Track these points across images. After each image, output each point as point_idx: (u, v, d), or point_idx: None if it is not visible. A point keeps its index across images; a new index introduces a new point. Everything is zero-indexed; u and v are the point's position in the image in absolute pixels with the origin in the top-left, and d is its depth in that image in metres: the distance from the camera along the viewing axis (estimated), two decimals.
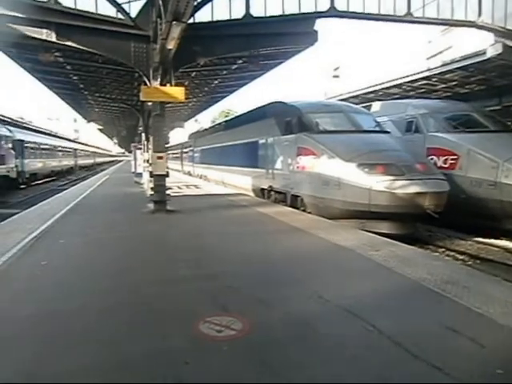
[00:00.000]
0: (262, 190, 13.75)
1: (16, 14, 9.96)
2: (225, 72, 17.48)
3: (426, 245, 9.46)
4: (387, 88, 16.45)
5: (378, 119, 12.13)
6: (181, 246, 6.69)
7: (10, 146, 23.00)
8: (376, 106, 14.30)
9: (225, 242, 7.00)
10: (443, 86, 15.82)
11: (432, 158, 11.06)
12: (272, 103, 14.02)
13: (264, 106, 14.89)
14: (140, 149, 20.33)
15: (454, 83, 15.28)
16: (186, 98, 10.18)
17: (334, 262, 5.64)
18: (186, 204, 11.47)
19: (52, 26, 10.02)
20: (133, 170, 22.08)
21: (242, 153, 16.18)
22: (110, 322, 3.72)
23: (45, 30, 10.11)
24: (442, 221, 9.26)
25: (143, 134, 18.97)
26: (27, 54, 14.12)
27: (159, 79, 9.59)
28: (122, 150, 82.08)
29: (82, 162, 53.47)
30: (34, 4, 9.88)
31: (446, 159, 10.81)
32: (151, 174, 9.98)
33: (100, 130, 43.87)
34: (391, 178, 8.61)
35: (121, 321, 3.73)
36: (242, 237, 7.41)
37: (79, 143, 60.09)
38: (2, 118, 29.94)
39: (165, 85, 9.60)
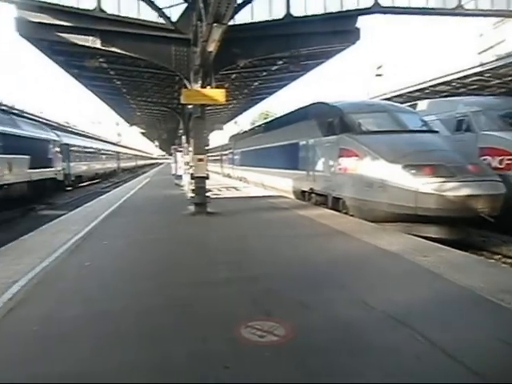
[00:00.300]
0: (303, 192, 13.65)
1: (64, 23, 10.52)
2: (265, 73, 17.56)
3: (479, 251, 9.00)
4: (434, 86, 15.88)
5: (425, 118, 11.70)
6: (221, 249, 6.76)
7: (58, 149, 24.21)
8: (422, 104, 13.82)
9: (265, 245, 7.00)
10: (497, 81, 15.05)
11: (485, 159, 10.52)
12: (313, 104, 13.89)
13: (304, 107, 14.79)
14: (180, 151, 20.79)
15: (509, 78, 14.50)
16: (226, 100, 10.28)
17: (379, 267, 5.48)
18: (226, 206, 11.59)
19: (97, 33, 10.49)
20: (173, 172, 22.61)
21: (281, 155, 16.15)
22: (152, 323, 3.80)
23: (90, 38, 10.61)
24: (497, 225, 8.78)
25: (184, 137, 19.38)
26: (74, 61, 14.84)
27: (200, 82, 9.76)
28: (163, 153, 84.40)
29: (124, 164, 55.44)
30: (81, 13, 10.38)
31: (502, 159, 10.25)
32: (192, 176, 10.16)
33: (142, 133, 45.33)
34: (440, 179, 8.26)
35: (162, 322, 3.80)
36: (282, 239, 7.38)
37: (122, 146, 62.31)
38: (50, 122, 31.60)
39: (205, 87, 9.77)
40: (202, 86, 9.79)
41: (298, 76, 18.29)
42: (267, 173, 18.31)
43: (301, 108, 15.32)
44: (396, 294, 4.40)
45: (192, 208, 10.41)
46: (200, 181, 9.95)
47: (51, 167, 22.05)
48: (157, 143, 49.34)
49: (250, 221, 9.66)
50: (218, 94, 9.68)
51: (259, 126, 24.62)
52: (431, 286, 4.68)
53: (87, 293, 4.67)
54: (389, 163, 9.05)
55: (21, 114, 25.37)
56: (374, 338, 3.40)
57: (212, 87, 9.85)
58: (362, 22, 10.95)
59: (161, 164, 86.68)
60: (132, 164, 65.55)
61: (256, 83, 19.87)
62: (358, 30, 10.95)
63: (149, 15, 10.69)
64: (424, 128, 10.94)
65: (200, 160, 9.84)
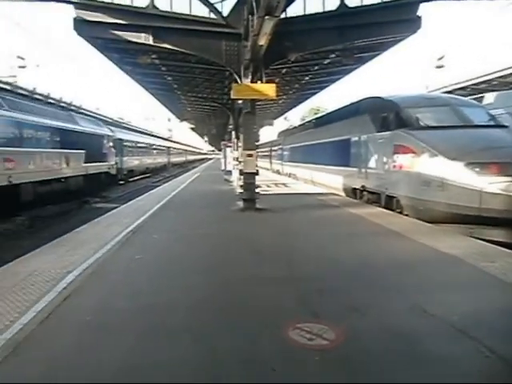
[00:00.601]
0: (354, 189, 13.29)
1: (118, 21, 10.91)
2: (316, 67, 17.26)
3: None
4: (504, 76, 14.84)
5: (493, 112, 10.95)
6: (271, 246, 6.71)
7: (111, 144, 25.28)
8: (490, 97, 12.95)
9: (315, 244, 6.87)
10: None
11: None
12: (366, 99, 13.46)
13: (357, 101, 14.37)
14: (230, 147, 21.01)
15: None
16: (276, 95, 10.21)
17: (440, 272, 5.17)
18: (275, 202, 11.54)
19: (149, 29, 10.78)
20: (222, 167, 22.89)
21: (332, 151, 15.83)
22: (199, 318, 3.83)
23: (143, 34, 10.92)
24: None
25: (233, 132, 19.57)
26: (127, 57, 15.37)
27: (250, 77, 9.77)
28: (212, 148, 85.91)
29: (174, 159, 56.98)
30: (134, 10, 10.72)
31: None
32: (241, 172, 10.21)
33: (192, 128, 46.38)
34: (508, 178, 7.69)
35: (209, 319, 3.80)
36: (333, 238, 7.21)
37: (172, 141, 64.14)
38: (105, 118, 33.11)
39: (255, 82, 9.76)
40: (253, 81, 9.78)
41: (352, 69, 17.83)
42: (317, 169, 18.04)
43: (353, 103, 14.91)
44: (458, 301, 4.12)
45: (241, 204, 10.46)
46: (249, 177, 9.97)
47: (105, 161, 23.08)
48: (206, 138, 50.28)
49: (300, 218, 9.54)
50: (268, 89, 9.63)
51: (309, 121, 24.32)
52: (498, 294, 4.36)
53: (137, 286, 4.80)
54: (449, 161, 8.56)
55: (78, 111, 26.81)
56: (432, 349, 3.18)
57: (262, 82, 9.81)
58: (421, 9, 10.44)
59: (210, 159, 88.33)
60: (182, 159, 67.21)
61: (307, 77, 19.62)
62: (419, 18, 10.43)
63: (200, 11, 10.86)
64: (491, 123, 10.24)
65: (249, 156, 9.86)
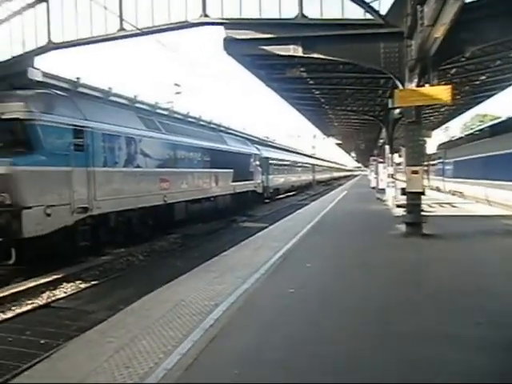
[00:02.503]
0: None
1: (266, 36, 10.87)
2: (498, 62, 14.64)
3: None
4: None
5: None
6: (453, 288, 5.41)
7: (258, 163, 25.99)
8: None
9: None
10: None
11: None
12: None
13: None
14: (382, 162, 19.56)
15: None
16: (452, 99, 8.75)
17: None
18: (445, 227, 9.95)
19: (298, 40, 10.48)
20: (372, 185, 21.52)
21: None
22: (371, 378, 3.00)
23: (292, 46, 10.67)
24: None
25: (387, 147, 18.13)
26: (274, 73, 15.47)
27: (415, 80, 8.59)
28: (358, 164, 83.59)
29: (319, 176, 56.79)
30: (283, 23, 10.53)
31: None
32: (403, 191, 8.99)
33: (338, 144, 45.56)
34: None
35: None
36: None
37: (317, 158, 64.21)
38: (252, 137, 34.56)
39: (423, 86, 8.52)
40: (419, 85, 8.56)
41: None
42: (495, 186, 15.36)
43: None
44: None
45: (402, 228, 9.24)
46: (414, 197, 8.70)
47: (252, 180, 23.74)
48: (353, 154, 48.88)
49: (482, 249, 7.88)
50: (441, 93, 8.28)
51: (481, 130, 21.27)
52: None
53: (293, 330, 4.15)
54: None
55: (227, 131, 28.45)
56: None
57: (432, 85, 8.49)
58: None
59: (356, 176, 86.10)
60: (327, 176, 66.76)
61: (483, 77, 16.88)
62: None
63: (353, 13, 10.13)
64: None
65: (414, 172, 8.59)
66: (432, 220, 10.62)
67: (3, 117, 8.77)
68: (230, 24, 11.12)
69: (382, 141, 21.54)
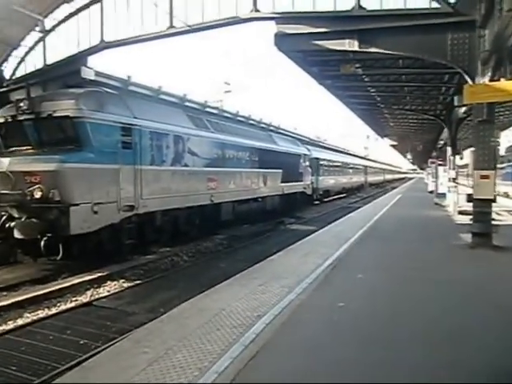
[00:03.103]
0: None
1: (320, 30, 10.41)
2: None
3: None
4: None
5: None
6: None
7: (307, 163, 25.42)
8: None
9: None
10: None
11: None
12: None
13: None
14: (442, 165, 18.41)
15: None
16: None
17: None
18: None
19: (354, 34, 9.94)
20: (430, 188, 20.36)
21: None
22: None
23: (347, 41, 10.15)
24: None
25: (448, 148, 17.00)
26: (327, 71, 14.94)
27: (489, 74, 7.78)
28: (413, 167, 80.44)
29: (371, 178, 55.13)
30: (338, 15, 10.04)
31: None
32: (469, 198, 8.20)
33: (392, 145, 43.91)
34: None
35: None
36: None
37: (369, 160, 62.44)
38: (302, 137, 33.98)
39: (497, 80, 7.69)
40: (492, 80, 7.75)
41: None
42: None
43: None
44: None
45: (467, 237, 8.44)
46: (483, 204, 7.90)
47: (301, 181, 23.23)
48: (409, 156, 46.95)
49: None
50: None
51: None
52: None
53: (342, 354, 3.71)
54: None
55: (277, 130, 28.10)
56: None
57: (508, 79, 7.65)
58: None
59: (411, 179, 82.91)
60: (380, 178, 64.74)
61: None
62: None
63: (416, 3, 9.46)
64: None
65: (484, 177, 7.77)
66: (503, 230, 9.66)
67: (54, 114, 8.94)
68: (282, 18, 10.77)
69: (442, 142, 20.35)
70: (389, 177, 78.50)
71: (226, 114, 22.35)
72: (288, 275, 6.36)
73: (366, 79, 15.55)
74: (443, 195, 17.13)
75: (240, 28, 12.26)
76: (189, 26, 12.04)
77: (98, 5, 13.17)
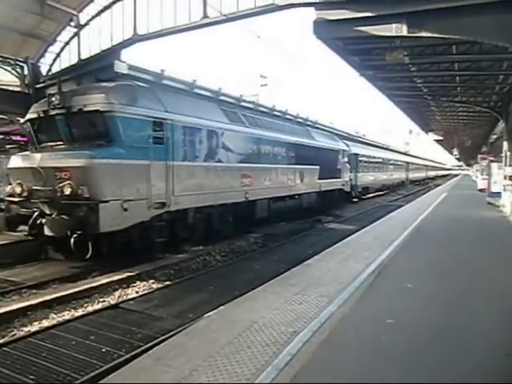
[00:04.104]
0: None
1: (364, 15, 9.73)
2: None
3: None
4: None
5: None
6: None
7: (346, 159, 24.59)
8: None
9: None
10: None
11: None
12: None
13: None
14: (495, 161, 17.18)
15: None
16: None
17: None
18: None
19: (403, 17, 9.22)
20: (480, 186, 19.13)
21: None
22: None
23: (394, 25, 9.43)
24: None
25: (504, 143, 15.79)
26: (370, 60, 14.17)
27: None
28: (458, 163, 77.30)
29: (413, 175, 53.32)
30: None
31: None
32: None
33: (437, 140, 42.06)
34: None
35: None
36: None
37: (410, 156, 60.43)
38: (340, 132, 33.04)
39: None
40: None
41: None
42: None
43: None
44: None
45: None
46: None
47: (339, 178, 22.49)
48: (455, 152, 44.83)
49: None
50: None
51: None
52: None
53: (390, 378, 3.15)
54: None
55: (314, 125, 27.38)
56: None
57: None
58: None
59: (455, 175, 79.70)
60: (422, 175, 62.54)
61: None
62: None
63: None
64: None
65: None
66: None
67: (84, 109, 8.75)
68: (322, 4, 10.16)
69: (494, 136, 19.00)
70: (432, 173, 75.82)
71: (261, 108, 21.87)
72: (327, 282, 5.82)
73: (412, 69, 14.65)
74: (497, 194, 15.95)
75: (277, 15, 11.77)
76: (224, 16, 11.63)
77: None
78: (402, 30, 9.23)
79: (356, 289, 5.48)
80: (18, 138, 16.92)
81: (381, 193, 33.95)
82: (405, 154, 57.73)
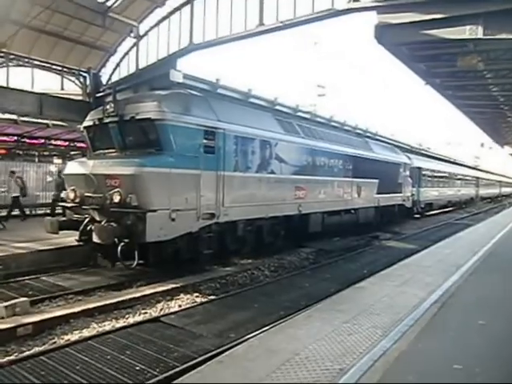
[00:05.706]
0: None
1: (432, 17, 9.10)
2: None
3: None
4: None
5: None
6: None
7: (408, 173, 23.42)
8: None
9: None
10: None
11: None
12: None
13: None
14: None
15: None
16: None
17: None
18: None
19: (479, 18, 8.53)
20: None
21: None
22: None
23: (468, 27, 8.73)
24: None
25: None
26: (438, 67, 13.34)
27: None
28: None
29: (484, 191, 50.24)
30: None
31: None
32: None
33: None
34: None
35: None
36: None
37: (481, 170, 56.97)
38: (402, 145, 31.69)
39: None
40: None
41: None
42: None
43: None
44: None
45: None
46: None
47: (400, 192, 21.45)
48: None
49: None
50: None
51: None
52: None
53: None
54: None
55: (374, 137, 26.42)
56: None
57: None
58: None
59: None
60: (495, 191, 58.62)
61: None
62: None
63: None
64: None
65: None
66: None
67: (137, 117, 8.79)
68: (385, 7, 9.63)
69: None
70: (507, 190, 71.03)
71: (318, 119, 21.37)
72: (381, 311, 5.23)
73: (487, 75, 13.59)
74: None
75: (335, 22, 11.38)
76: (280, 22, 11.40)
77: (188, 7, 13.11)
78: (478, 32, 8.52)
79: (415, 321, 4.85)
80: (82, 144, 17.68)
81: (446, 210, 32.08)
82: (475, 168, 54.55)
